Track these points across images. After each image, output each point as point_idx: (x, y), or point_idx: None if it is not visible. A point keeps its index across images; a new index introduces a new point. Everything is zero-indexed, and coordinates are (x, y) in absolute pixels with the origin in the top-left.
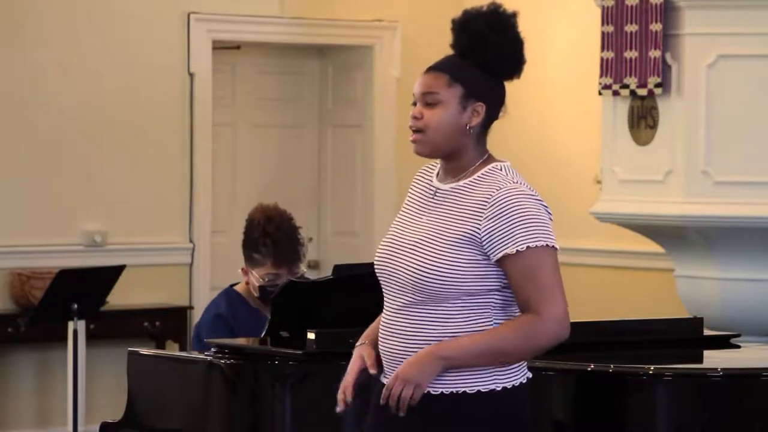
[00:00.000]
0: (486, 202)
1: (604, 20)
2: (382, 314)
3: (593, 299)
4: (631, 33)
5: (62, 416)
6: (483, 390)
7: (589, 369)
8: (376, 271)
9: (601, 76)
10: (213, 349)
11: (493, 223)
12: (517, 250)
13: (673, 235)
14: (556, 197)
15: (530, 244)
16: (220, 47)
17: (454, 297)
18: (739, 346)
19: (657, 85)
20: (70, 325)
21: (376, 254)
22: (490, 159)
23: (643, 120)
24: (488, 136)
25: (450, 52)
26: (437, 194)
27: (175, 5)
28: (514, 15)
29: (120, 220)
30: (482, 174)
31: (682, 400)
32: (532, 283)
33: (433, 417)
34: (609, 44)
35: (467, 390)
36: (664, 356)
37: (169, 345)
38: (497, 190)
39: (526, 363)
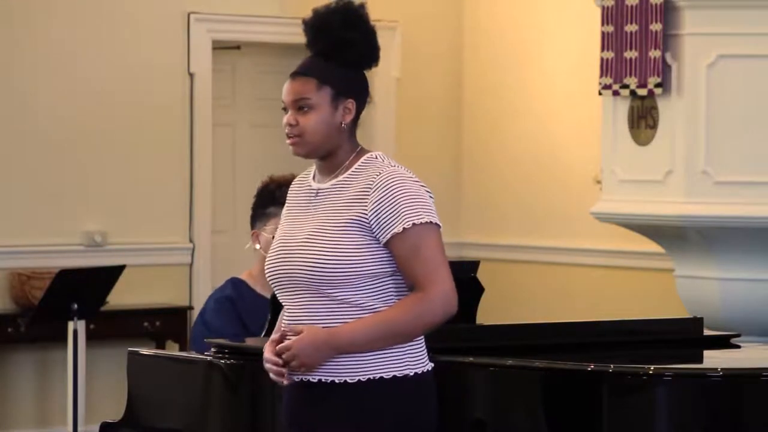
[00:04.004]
0: (369, 187)
1: (604, 20)
2: (284, 321)
3: (593, 299)
4: (631, 33)
5: (62, 416)
6: (398, 375)
7: (589, 369)
8: (268, 278)
9: (601, 76)
10: (213, 349)
11: (378, 206)
12: (404, 228)
13: (673, 235)
14: (556, 197)
15: (415, 221)
16: (220, 47)
17: (351, 284)
18: (739, 346)
19: (657, 85)
20: (70, 325)
21: (267, 260)
22: (363, 151)
23: (643, 120)
24: (488, 135)
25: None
26: (319, 193)
27: (175, 5)
28: (363, 6)
29: (120, 220)
30: (360, 165)
31: (682, 400)
32: (418, 260)
33: (354, 405)
34: (609, 44)
35: (384, 375)
36: (664, 356)
37: (169, 345)
38: (377, 175)
39: (426, 351)
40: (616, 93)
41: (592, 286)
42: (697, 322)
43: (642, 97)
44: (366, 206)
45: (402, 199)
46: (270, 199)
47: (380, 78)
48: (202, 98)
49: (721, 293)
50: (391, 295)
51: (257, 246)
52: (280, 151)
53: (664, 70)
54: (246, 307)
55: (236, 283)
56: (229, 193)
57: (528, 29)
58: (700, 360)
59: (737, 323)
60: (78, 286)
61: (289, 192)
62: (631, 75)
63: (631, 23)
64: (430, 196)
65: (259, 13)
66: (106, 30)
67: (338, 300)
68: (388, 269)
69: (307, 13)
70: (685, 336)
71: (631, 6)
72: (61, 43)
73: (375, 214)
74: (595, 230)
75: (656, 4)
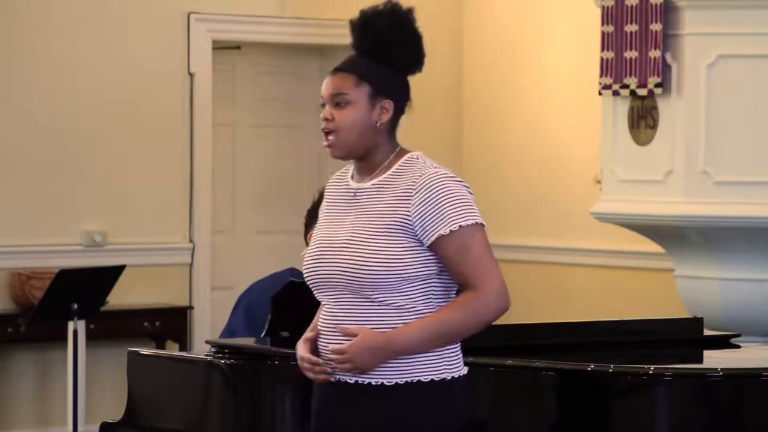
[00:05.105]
0: (411, 189)
1: (604, 20)
2: (320, 320)
3: (593, 299)
4: (631, 33)
5: (62, 416)
6: (436, 379)
7: (589, 369)
8: (306, 278)
9: (601, 76)
10: (213, 349)
11: (422, 208)
12: (450, 230)
13: (673, 235)
14: (556, 197)
15: (462, 223)
16: (220, 47)
17: (393, 287)
18: (739, 346)
19: (657, 85)
20: (70, 325)
21: (305, 261)
22: (403, 151)
23: (643, 120)
24: (488, 135)
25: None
26: (358, 193)
27: (175, 5)
28: (411, 11)
29: (120, 220)
30: (400, 165)
31: (682, 400)
32: (468, 260)
33: (391, 407)
34: (609, 44)
35: (422, 379)
36: (664, 356)
37: (169, 345)
38: (420, 176)
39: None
40: (616, 93)
41: (592, 286)
42: (697, 322)
43: (642, 97)
44: (409, 208)
45: (446, 201)
46: (320, 203)
47: None
48: (202, 98)
49: (721, 293)
50: (433, 298)
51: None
52: (280, 151)
53: (664, 70)
54: None
55: (294, 273)
56: (229, 193)
57: (528, 29)
58: (700, 360)
59: (737, 323)
60: (78, 286)
61: (326, 190)
62: (631, 75)
63: (631, 23)
64: (472, 196)
65: (259, 13)
66: (106, 30)
67: (378, 302)
68: (430, 271)
69: (307, 13)
70: (685, 336)
71: (631, 6)
72: (61, 43)
73: (419, 216)
74: (595, 230)
75: (656, 4)
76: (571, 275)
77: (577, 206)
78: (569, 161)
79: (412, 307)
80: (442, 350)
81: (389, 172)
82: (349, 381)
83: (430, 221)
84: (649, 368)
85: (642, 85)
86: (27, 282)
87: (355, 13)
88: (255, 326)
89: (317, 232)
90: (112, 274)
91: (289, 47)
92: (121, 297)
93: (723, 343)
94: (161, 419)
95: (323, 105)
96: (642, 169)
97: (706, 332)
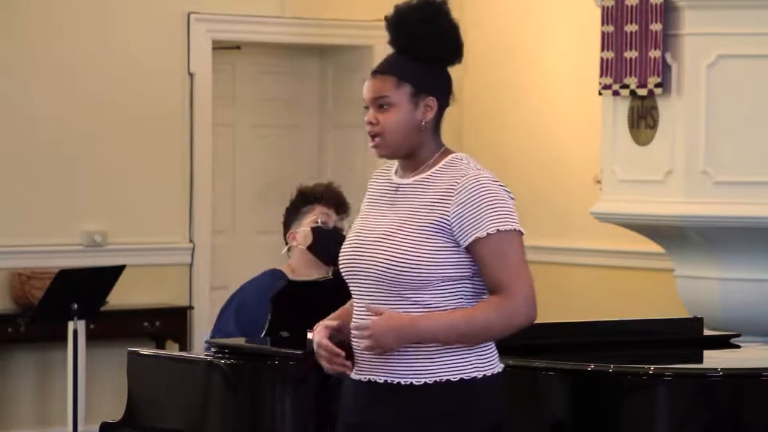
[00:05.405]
0: (452, 189)
1: (604, 20)
2: (353, 313)
3: (593, 299)
4: (631, 33)
5: (62, 416)
6: (465, 378)
7: (589, 369)
8: (342, 269)
9: (601, 76)
10: (213, 349)
11: (461, 209)
12: (488, 233)
13: (673, 235)
14: (556, 197)
15: (500, 228)
16: (220, 47)
17: (426, 286)
18: (739, 346)
19: (657, 85)
20: (70, 325)
21: (342, 253)
22: (447, 151)
23: (643, 120)
24: (488, 135)
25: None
26: (399, 189)
27: (175, 5)
28: (444, 2)
29: (120, 220)
30: (443, 165)
31: (682, 400)
32: (502, 265)
33: (420, 406)
34: (609, 44)
35: (450, 378)
36: (664, 356)
37: (169, 345)
38: (462, 177)
39: (497, 353)
40: (616, 93)
41: (592, 286)
42: (697, 322)
43: (642, 97)
44: (448, 209)
45: (486, 204)
46: (302, 199)
47: None
48: (202, 98)
49: (721, 293)
50: (464, 300)
51: (294, 243)
52: (280, 151)
53: (664, 70)
54: None
55: (276, 275)
56: (229, 193)
57: (528, 29)
58: (700, 360)
59: (737, 323)
60: (78, 286)
61: (369, 182)
62: (631, 75)
63: (631, 23)
64: (513, 202)
65: (259, 13)
66: (106, 30)
67: (409, 299)
68: (462, 273)
69: (307, 13)
70: (685, 336)
71: (631, 6)
72: (62, 43)
73: (457, 217)
74: (595, 230)
75: (656, 4)
76: (571, 275)
77: (577, 206)
78: (569, 161)
79: (443, 308)
80: (472, 349)
81: (432, 170)
82: (378, 381)
83: (468, 223)
84: (649, 368)
85: (642, 85)
86: (27, 282)
87: (354, 13)
88: (247, 328)
89: (356, 224)
90: (112, 274)
91: (289, 47)
92: (121, 297)
93: (723, 343)
94: (161, 419)
95: (366, 108)
96: (642, 169)
97: (706, 332)
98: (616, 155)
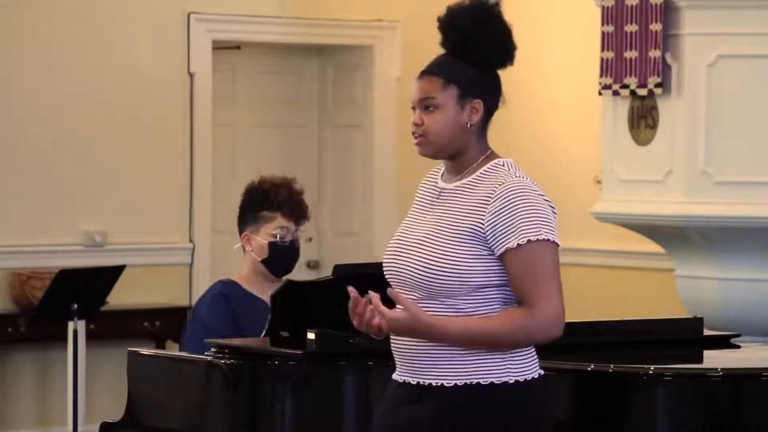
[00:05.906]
0: (489, 197)
1: (604, 20)
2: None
3: (593, 299)
4: (631, 33)
5: (62, 416)
6: (496, 382)
7: (589, 369)
8: (384, 271)
9: (601, 76)
10: (213, 349)
11: (496, 218)
12: (518, 244)
13: (673, 235)
14: (556, 197)
15: (531, 238)
16: (220, 47)
17: (460, 292)
18: (739, 346)
19: (657, 85)
20: (70, 325)
21: (385, 251)
22: (492, 155)
23: (643, 120)
24: (488, 135)
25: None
26: (442, 194)
27: (175, 5)
28: (497, 4)
29: (120, 220)
30: (485, 170)
31: (682, 400)
32: (531, 277)
33: (448, 408)
34: (609, 44)
35: (481, 381)
36: (664, 356)
37: (169, 345)
38: (500, 185)
39: (537, 358)
40: (616, 93)
41: (592, 286)
42: (697, 322)
43: (642, 97)
44: (483, 216)
45: (520, 213)
46: (263, 200)
47: (380, 78)
48: (202, 98)
49: (721, 293)
50: (497, 307)
51: (249, 248)
52: (280, 151)
53: (664, 70)
54: (239, 307)
55: (227, 284)
56: (229, 193)
57: (528, 29)
58: (700, 360)
59: (737, 323)
60: (78, 286)
61: (419, 185)
62: (631, 75)
63: (631, 23)
64: (554, 212)
65: (259, 13)
66: (106, 30)
67: (446, 305)
68: (497, 281)
69: (307, 13)
70: (685, 336)
71: (631, 6)
72: (62, 43)
73: (491, 225)
74: (595, 230)
75: (656, 4)
76: (571, 275)
77: (577, 206)
78: (569, 161)
79: (478, 314)
80: (506, 353)
81: (474, 175)
82: (411, 382)
83: (501, 232)
84: (649, 368)
85: (642, 85)
86: (27, 282)
87: (354, 13)
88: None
89: (401, 225)
90: (112, 274)
91: (288, 47)
92: (121, 297)
93: (723, 343)
94: (161, 419)
95: (413, 108)
96: (642, 169)
97: (706, 332)
98: (616, 155)
